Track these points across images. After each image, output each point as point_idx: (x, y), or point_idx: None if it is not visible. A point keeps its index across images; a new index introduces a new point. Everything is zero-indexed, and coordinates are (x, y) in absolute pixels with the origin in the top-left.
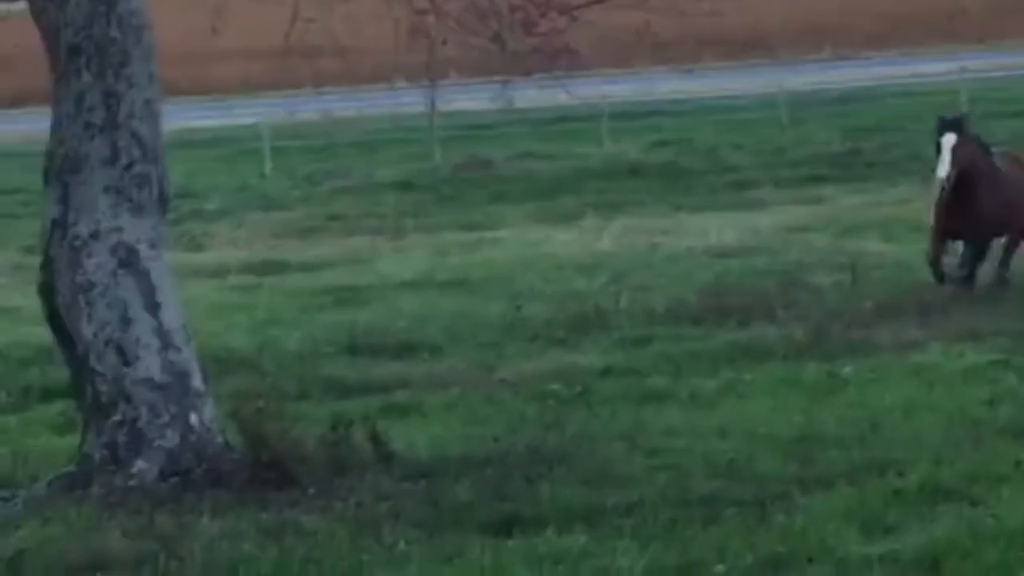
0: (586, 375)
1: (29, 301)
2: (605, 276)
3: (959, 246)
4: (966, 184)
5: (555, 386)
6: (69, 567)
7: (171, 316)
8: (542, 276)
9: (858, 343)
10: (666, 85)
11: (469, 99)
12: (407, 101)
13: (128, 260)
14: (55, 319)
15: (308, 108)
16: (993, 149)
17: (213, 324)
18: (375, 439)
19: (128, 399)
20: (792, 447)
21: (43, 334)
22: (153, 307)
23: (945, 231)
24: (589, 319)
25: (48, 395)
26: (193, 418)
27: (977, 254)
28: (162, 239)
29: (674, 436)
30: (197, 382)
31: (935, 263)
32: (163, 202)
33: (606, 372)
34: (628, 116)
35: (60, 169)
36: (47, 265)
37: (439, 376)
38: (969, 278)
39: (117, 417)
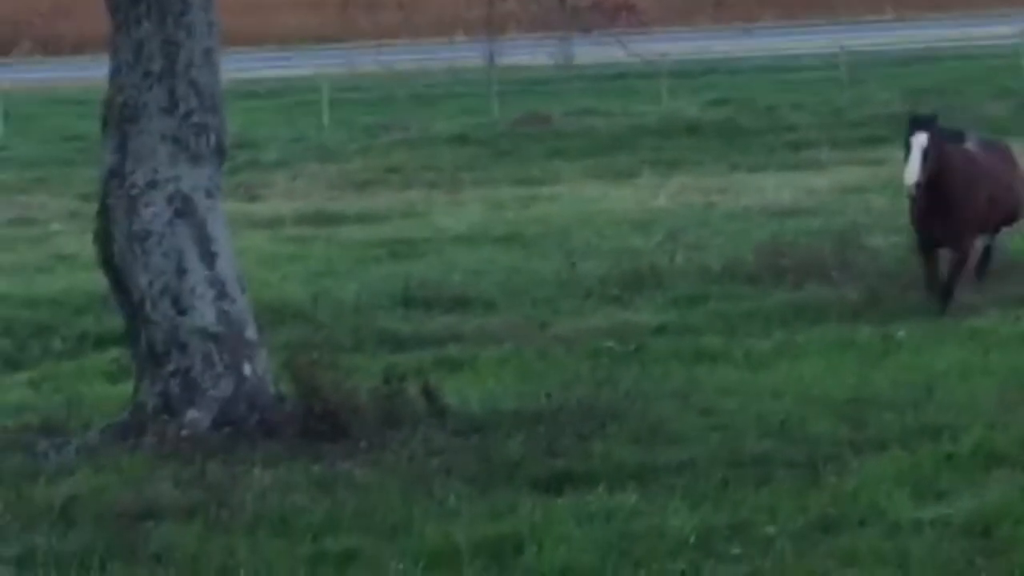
0: (640, 333)
1: (85, 248)
2: (661, 234)
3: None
4: (941, 189)
5: (608, 343)
6: (121, 515)
7: (226, 266)
8: (597, 233)
9: (914, 306)
10: (725, 43)
11: (528, 54)
12: (466, 55)
13: (184, 209)
14: (110, 267)
15: (367, 60)
16: (970, 137)
17: (268, 275)
18: (428, 393)
19: (182, 348)
20: (845, 409)
21: (99, 282)
22: (208, 257)
23: (926, 243)
24: (644, 277)
25: (102, 343)
26: (247, 368)
27: (960, 261)
28: (218, 189)
29: (727, 395)
30: (251, 332)
31: (930, 283)
32: (220, 152)
33: (660, 330)
34: (687, 74)
35: (118, 117)
36: (103, 213)
37: (492, 331)
38: (981, 273)
39: (171, 366)
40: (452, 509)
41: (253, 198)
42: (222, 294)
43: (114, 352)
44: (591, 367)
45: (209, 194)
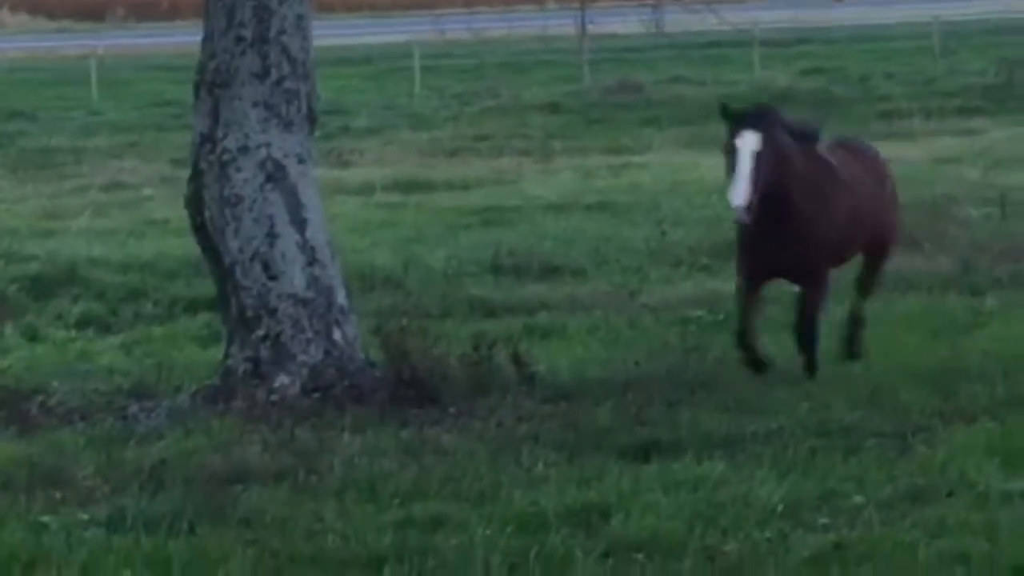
0: (729, 301)
1: (177, 213)
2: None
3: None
4: (782, 209)
5: (698, 312)
6: (210, 478)
7: (317, 232)
8: (688, 201)
9: (1005, 277)
10: (817, 12)
11: (619, 22)
12: (557, 23)
13: (275, 175)
14: (202, 232)
15: (459, 27)
16: (823, 138)
17: (358, 241)
18: (517, 360)
19: (272, 314)
20: (935, 379)
21: (190, 247)
22: (299, 223)
23: (756, 277)
24: (734, 246)
25: (193, 307)
26: (336, 334)
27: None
28: (310, 155)
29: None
30: (341, 298)
31: (748, 333)
32: (312, 118)
33: None
34: (779, 43)
35: (210, 83)
36: (195, 178)
37: (582, 299)
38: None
39: (261, 331)
40: (540, 476)
41: (344, 164)
42: (312, 260)
43: (205, 317)
44: (680, 335)
45: (300, 160)
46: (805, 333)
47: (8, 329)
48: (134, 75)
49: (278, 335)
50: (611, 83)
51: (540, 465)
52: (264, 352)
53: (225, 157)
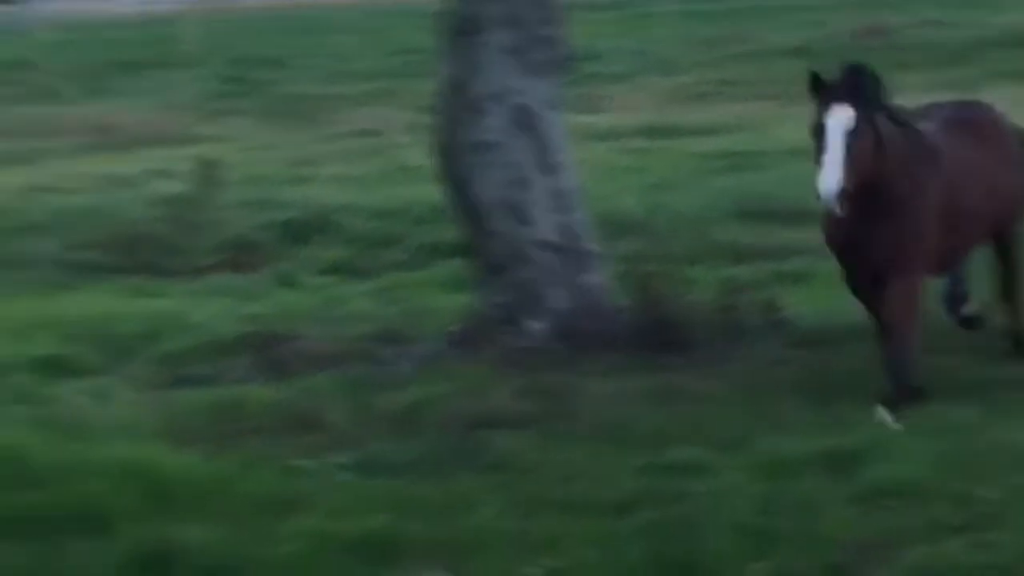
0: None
1: (426, 160)
2: None
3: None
4: (882, 203)
5: None
6: (459, 423)
7: (566, 178)
8: None
9: None
10: None
11: None
12: None
13: (525, 121)
14: (451, 179)
15: None
16: (931, 111)
17: (605, 187)
18: (767, 306)
19: (522, 259)
20: None
21: (439, 193)
22: (548, 168)
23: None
24: None
25: (442, 253)
26: (585, 280)
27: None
28: (559, 101)
29: None
30: (590, 244)
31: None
32: (561, 64)
33: None
34: None
35: (459, 29)
36: (444, 125)
37: None
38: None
39: (510, 277)
40: (790, 423)
41: (593, 110)
42: (562, 206)
43: (453, 263)
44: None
45: (550, 106)
46: (891, 357)
47: (261, 275)
48: (384, 22)
49: (528, 281)
50: (859, 26)
51: (790, 411)
52: (513, 298)
53: (474, 104)
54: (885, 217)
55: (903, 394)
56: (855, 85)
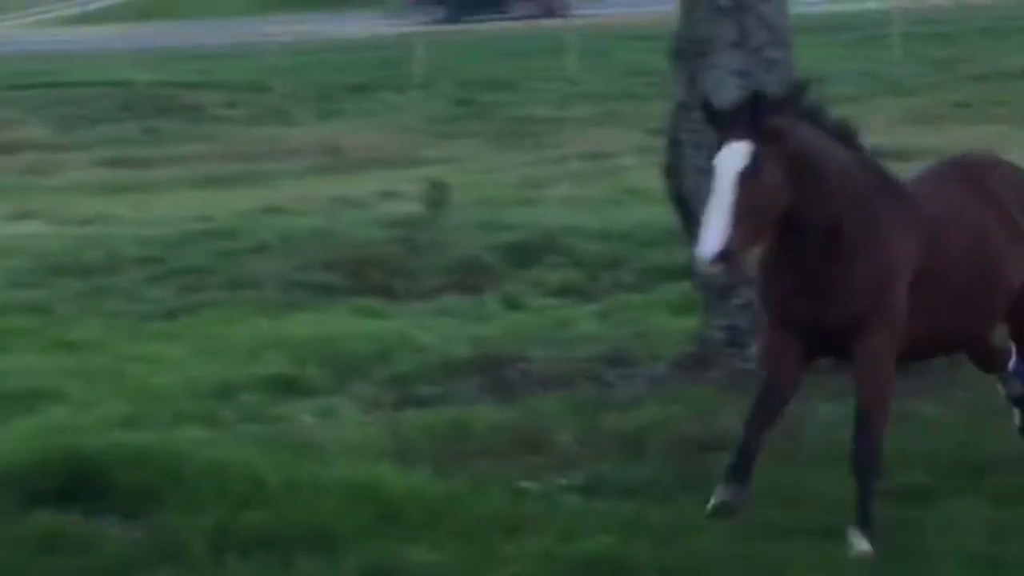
0: None
1: (654, 183)
2: None
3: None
4: (832, 247)
5: None
6: (687, 446)
7: None
8: None
9: None
10: None
11: None
12: None
13: None
14: (680, 201)
15: None
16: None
17: None
18: None
19: (748, 282)
20: None
21: (667, 215)
22: None
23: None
24: None
25: (670, 276)
26: None
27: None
28: None
29: None
30: None
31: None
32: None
33: None
34: None
35: (688, 52)
36: (673, 147)
37: None
38: None
39: (738, 300)
40: (1019, 448)
41: None
42: None
43: (681, 285)
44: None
45: None
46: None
47: (488, 297)
48: (611, 45)
49: (753, 304)
50: None
51: (1017, 436)
52: (741, 321)
53: (702, 126)
54: (839, 263)
55: (872, 500)
56: (757, 110)
